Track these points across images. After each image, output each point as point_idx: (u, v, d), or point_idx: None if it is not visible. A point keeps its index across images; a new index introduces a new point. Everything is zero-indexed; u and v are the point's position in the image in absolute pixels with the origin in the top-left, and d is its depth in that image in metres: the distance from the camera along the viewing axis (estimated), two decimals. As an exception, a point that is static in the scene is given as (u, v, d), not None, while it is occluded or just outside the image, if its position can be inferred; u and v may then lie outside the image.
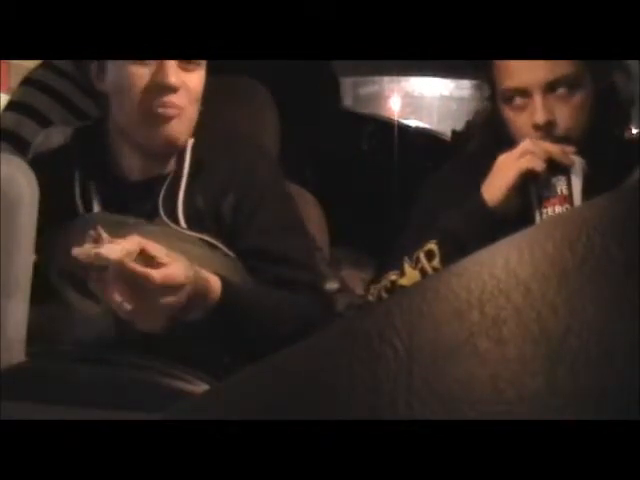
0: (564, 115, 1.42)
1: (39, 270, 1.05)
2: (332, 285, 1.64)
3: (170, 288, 1.17)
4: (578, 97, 1.43)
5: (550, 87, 1.41)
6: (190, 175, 1.38)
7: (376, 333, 0.46)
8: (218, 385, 0.86)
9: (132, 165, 1.39)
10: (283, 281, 1.35)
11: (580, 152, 1.43)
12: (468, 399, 0.42)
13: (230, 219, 1.37)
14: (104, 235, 1.13)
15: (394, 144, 2.72)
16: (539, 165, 1.39)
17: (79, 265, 1.15)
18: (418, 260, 1.47)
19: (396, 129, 2.85)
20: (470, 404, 0.42)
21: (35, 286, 1.01)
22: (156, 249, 1.17)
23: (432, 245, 1.46)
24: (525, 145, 1.41)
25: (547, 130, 1.42)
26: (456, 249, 1.43)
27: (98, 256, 1.11)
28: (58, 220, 1.29)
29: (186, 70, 1.34)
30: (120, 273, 1.13)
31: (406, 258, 1.49)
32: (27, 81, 1.86)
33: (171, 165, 1.40)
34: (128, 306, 1.16)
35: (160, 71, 1.31)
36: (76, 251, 1.13)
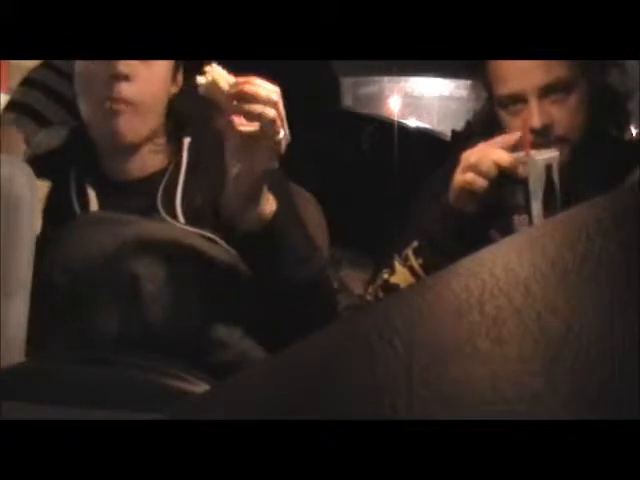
0: (560, 118, 1.43)
1: (40, 269, 1.05)
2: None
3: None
4: (573, 99, 1.44)
5: (545, 91, 1.41)
6: (188, 171, 1.38)
7: (376, 333, 0.46)
8: (218, 385, 0.86)
9: (126, 164, 1.38)
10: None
11: (579, 153, 1.43)
12: (468, 399, 0.42)
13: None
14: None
15: (394, 144, 2.72)
16: (480, 184, 1.38)
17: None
18: (407, 258, 1.48)
19: (396, 129, 2.85)
20: (470, 404, 0.42)
21: (36, 285, 1.01)
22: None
23: (417, 244, 1.48)
24: (468, 158, 1.39)
25: (544, 134, 1.42)
26: (433, 248, 1.45)
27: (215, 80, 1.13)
28: (54, 219, 1.29)
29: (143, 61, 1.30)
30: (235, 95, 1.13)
31: (396, 256, 1.50)
32: (27, 81, 1.85)
33: (168, 162, 1.40)
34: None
35: (111, 62, 1.27)
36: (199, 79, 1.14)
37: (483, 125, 1.62)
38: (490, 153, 1.38)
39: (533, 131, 1.42)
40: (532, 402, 0.41)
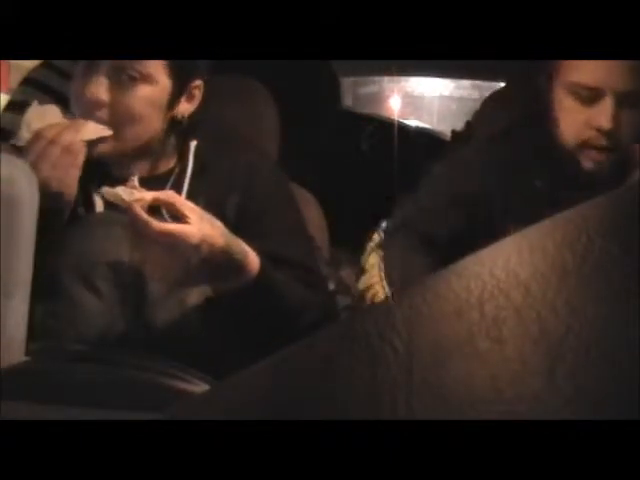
0: (624, 129, 1.42)
1: (42, 270, 1.05)
2: (331, 285, 1.64)
3: (175, 243, 1.19)
4: (634, 113, 1.43)
5: (624, 97, 1.41)
6: (193, 175, 1.39)
7: (376, 333, 0.46)
8: (218, 385, 0.86)
9: (130, 166, 1.39)
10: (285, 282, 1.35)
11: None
12: (468, 399, 0.42)
13: (233, 220, 1.37)
14: (135, 184, 1.23)
15: (394, 144, 2.72)
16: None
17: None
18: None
19: (396, 129, 2.85)
20: (470, 404, 0.42)
21: (37, 285, 1.01)
22: (186, 206, 1.21)
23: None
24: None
25: (608, 137, 1.41)
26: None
27: (115, 195, 1.21)
28: (58, 220, 1.29)
29: (121, 86, 1.32)
30: (131, 216, 1.19)
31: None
32: (27, 81, 1.85)
33: (174, 165, 1.40)
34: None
35: (88, 83, 1.30)
36: (105, 190, 1.22)
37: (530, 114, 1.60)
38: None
39: (600, 130, 1.41)
40: (532, 402, 0.41)
